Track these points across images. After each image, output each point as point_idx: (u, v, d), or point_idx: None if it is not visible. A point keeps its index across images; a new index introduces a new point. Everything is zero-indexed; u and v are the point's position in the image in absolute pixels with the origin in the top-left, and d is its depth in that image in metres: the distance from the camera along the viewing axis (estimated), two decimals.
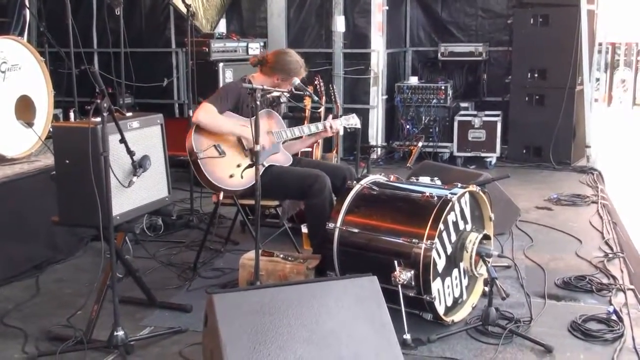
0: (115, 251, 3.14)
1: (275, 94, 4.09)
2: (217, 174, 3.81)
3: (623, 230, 5.06)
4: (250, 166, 3.83)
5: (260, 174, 3.44)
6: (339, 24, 7.57)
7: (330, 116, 4.33)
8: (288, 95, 4.14)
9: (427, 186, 3.64)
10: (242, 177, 3.86)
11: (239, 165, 3.88)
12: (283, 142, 4.16)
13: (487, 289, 3.35)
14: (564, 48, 7.15)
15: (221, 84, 6.13)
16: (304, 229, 4.37)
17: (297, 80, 4.05)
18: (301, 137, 4.24)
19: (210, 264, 4.36)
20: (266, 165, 3.97)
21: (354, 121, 4.39)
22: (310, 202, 3.89)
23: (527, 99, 7.44)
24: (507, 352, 3.14)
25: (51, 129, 4.30)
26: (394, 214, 3.52)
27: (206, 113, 3.82)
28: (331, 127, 4.18)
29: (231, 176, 3.85)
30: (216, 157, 3.81)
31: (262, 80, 4.03)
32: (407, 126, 7.68)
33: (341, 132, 4.75)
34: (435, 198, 3.37)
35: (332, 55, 7.66)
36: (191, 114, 5.24)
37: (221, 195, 4.01)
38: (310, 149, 4.85)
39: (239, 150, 3.93)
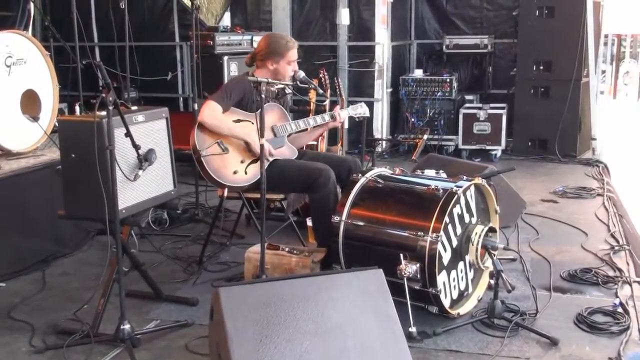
0: (121, 245, 3.14)
1: (279, 86, 4.08)
2: (220, 171, 3.79)
3: (629, 223, 5.05)
4: (254, 161, 3.83)
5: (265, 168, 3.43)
6: (344, 16, 7.54)
7: (337, 107, 4.33)
8: (292, 85, 4.13)
9: (432, 179, 3.63)
10: (245, 172, 3.85)
11: (242, 162, 3.87)
12: (288, 136, 4.14)
13: (492, 281, 3.35)
14: (570, 40, 7.12)
15: (226, 78, 6.12)
16: (309, 222, 4.37)
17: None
18: (306, 129, 4.23)
19: (215, 257, 4.37)
20: (271, 159, 3.96)
21: (362, 110, 4.38)
22: (314, 196, 3.87)
23: (532, 91, 7.41)
24: (513, 344, 3.14)
25: (57, 123, 4.31)
26: (399, 207, 3.51)
27: (211, 113, 3.78)
28: (338, 116, 4.18)
29: (235, 172, 3.84)
30: (219, 153, 3.80)
31: (262, 74, 4.00)
32: (412, 119, 7.67)
33: (346, 124, 4.72)
34: (441, 191, 3.37)
35: (337, 48, 7.64)
36: (196, 107, 5.26)
37: (226, 191, 4.01)
38: (315, 142, 4.84)
39: (242, 146, 3.92)
